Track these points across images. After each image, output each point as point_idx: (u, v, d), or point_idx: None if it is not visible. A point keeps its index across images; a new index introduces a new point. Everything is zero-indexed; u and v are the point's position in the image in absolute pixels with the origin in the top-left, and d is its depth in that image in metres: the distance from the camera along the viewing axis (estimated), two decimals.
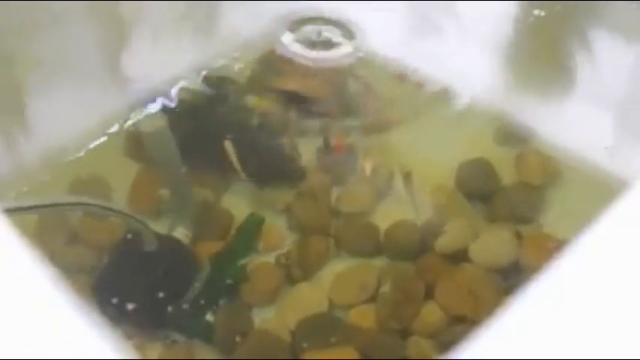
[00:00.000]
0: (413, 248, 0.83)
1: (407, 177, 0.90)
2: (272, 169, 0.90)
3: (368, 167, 0.91)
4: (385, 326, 0.77)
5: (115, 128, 0.93)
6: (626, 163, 0.87)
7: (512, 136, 0.94)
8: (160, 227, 0.82)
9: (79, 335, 0.47)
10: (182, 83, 0.98)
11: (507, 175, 0.89)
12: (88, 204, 0.71)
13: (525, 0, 1.02)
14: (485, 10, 1.02)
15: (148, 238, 0.77)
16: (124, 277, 0.78)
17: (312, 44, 1.03)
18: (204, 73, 1.00)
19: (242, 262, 0.82)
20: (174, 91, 0.97)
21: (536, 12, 0.99)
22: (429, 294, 0.78)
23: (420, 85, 0.95)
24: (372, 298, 0.79)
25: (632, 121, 0.93)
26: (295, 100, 0.97)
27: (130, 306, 0.76)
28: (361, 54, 1.03)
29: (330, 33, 1.05)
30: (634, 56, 0.97)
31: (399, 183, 0.90)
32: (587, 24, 0.99)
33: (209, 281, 0.80)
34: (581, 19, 0.99)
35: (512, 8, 1.02)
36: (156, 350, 0.75)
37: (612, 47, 0.97)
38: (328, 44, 1.04)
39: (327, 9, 1.06)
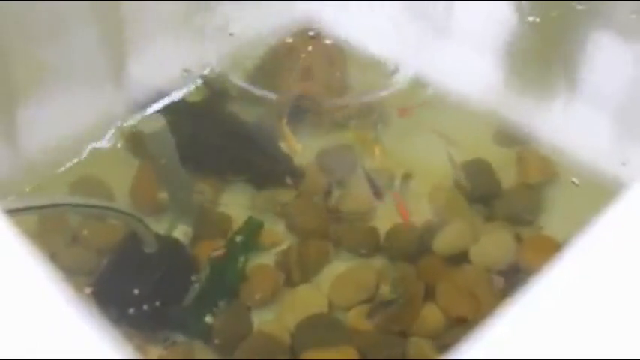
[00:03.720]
0: (413, 249, 0.83)
1: (405, 179, 0.90)
2: (271, 169, 0.91)
3: (378, 151, 0.91)
4: (385, 327, 0.77)
5: (115, 129, 0.93)
6: (624, 164, 0.87)
7: (511, 137, 0.94)
8: (160, 227, 0.82)
9: (80, 336, 0.47)
10: (182, 84, 0.98)
11: (507, 177, 0.89)
12: (88, 205, 0.71)
13: (526, 0, 1.03)
14: (484, 13, 1.02)
15: (148, 239, 0.77)
16: (124, 278, 0.78)
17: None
18: (204, 73, 1.00)
19: (241, 263, 0.82)
20: (174, 92, 0.97)
21: (530, 19, 1.00)
22: (428, 295, 0.79)
23: None
24: (372, 299, 0.79)
25: (629, 123, 0.93)
26: (296, 101, 0.97)
27: (130, 307, 0.76)
28: (361, 55, 1.03)
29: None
30: (632, 58, 0.97)
31: (397, 184, 0.90)
32: (584, 27, 0.99)
33: (208, 282, 0.80)
34: (577, 23, 1.00)
35: (508, 12, 1.02)
36: (156, 351, 0.75)
37: (610, 49, 0.98)
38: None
39: (328, 10, 1.06)
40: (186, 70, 0.99)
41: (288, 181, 0.89)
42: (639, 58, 0.98)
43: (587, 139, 0.91)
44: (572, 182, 0.88)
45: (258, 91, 0.98)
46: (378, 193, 0.87)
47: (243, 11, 1.04)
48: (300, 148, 0.91)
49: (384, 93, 0.98)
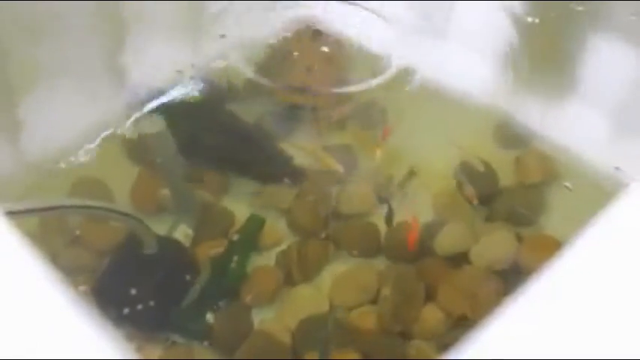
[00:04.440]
0: (413, 250, 0.83)
1: (409, 175, 0.90)
2: (272, 169, 0.91)
3: (378, 151, 0.91)
4: (386, 328, 0.77)
5: (115, 129, 0.93)
6: (624, 164, 0.87)
7: (511, 137, 0.94)
8: (161, 228, 0.82)
9: (80, 336, 0.48)
10: (181, 84, 0.98)
11: (507, 177, 0.89)
12: (89, 206, 0.71)
13: (525, 0, 1.03)
14: (484, 13, 1.02)
15: (148, 240, 0.77)
16: (124, 279, 0.78)
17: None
18: (204, 73, 1.00)
19: (242, 263, 0.82)
20: (173, 92, 0.97)
21: (530, 19, 1.00)
22: (429, 296, 0.79)
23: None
24: (373, 300, 0.79)
25: (629, 122, 0.93)
26: (295, 101, 0.97)
27: (131, 307, 0.76)
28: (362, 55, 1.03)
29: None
30: (631, 60, 0.97)
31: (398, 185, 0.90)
32: (583, 28, 1.00)
33: (209, 282, 0.80)
34: (577, 24, 1.00)
35: (508, 13, 1.02)
36: (156, 351, 0.75)
37: (609, 51, 0.98)
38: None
39: (327, 10, 1.07)
40: (186, 71, 0.99)
41: (288, 181, 0.89)
42: (638, 59, 0.98)
43: (585, 140, 0.91)
44: (566, 186, 0.88)
45: (257, 91, 0.98)
46: (389, 218, 0.87)
47: (241, 11, 1.04)
48: (340, 167, 0.90)
49: (386, 94, 0.99)
